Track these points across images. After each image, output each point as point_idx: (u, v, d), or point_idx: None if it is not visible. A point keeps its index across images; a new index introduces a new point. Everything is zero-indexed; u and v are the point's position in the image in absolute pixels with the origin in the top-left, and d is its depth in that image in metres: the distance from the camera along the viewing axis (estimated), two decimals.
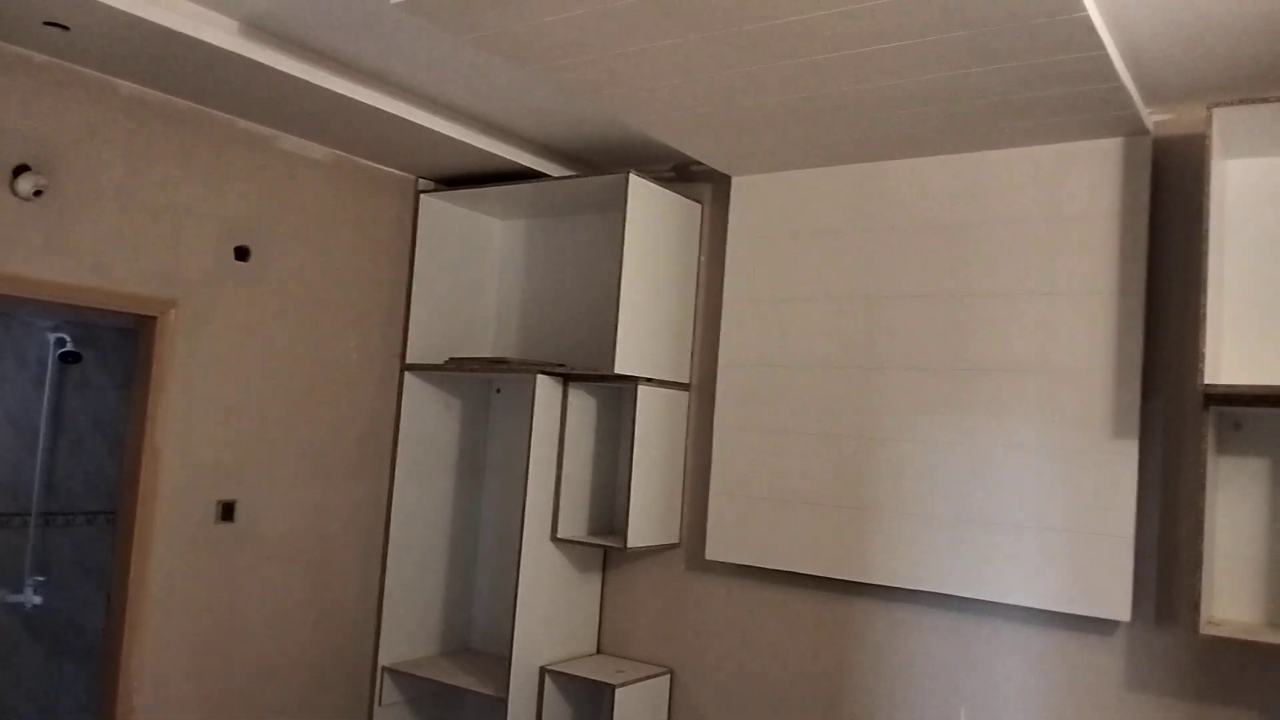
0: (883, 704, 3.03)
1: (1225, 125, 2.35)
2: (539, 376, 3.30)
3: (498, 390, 3.93)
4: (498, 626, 3.79)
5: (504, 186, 3.52)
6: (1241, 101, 2.26)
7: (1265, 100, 2.23)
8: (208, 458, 3.10)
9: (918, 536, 2.91)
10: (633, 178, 3.20)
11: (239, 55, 2.58)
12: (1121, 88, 2.35)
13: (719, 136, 2.93)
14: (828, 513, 3.07)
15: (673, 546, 3.49)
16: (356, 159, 3.51)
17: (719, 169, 3.29)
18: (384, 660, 3.56)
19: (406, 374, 3.65)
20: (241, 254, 3.18)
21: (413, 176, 3.71)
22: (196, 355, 3.06)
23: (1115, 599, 2.61)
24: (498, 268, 3.98)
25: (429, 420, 3.71)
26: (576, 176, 3.37)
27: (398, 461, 3.62)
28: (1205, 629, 2.33)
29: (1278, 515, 2.51)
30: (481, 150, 3.28)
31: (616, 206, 3.34)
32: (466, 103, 3.06)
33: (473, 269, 3.88)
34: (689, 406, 3.51)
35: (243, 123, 3.16)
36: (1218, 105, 2.30)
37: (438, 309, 3.74)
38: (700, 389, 3.50)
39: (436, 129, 3.10)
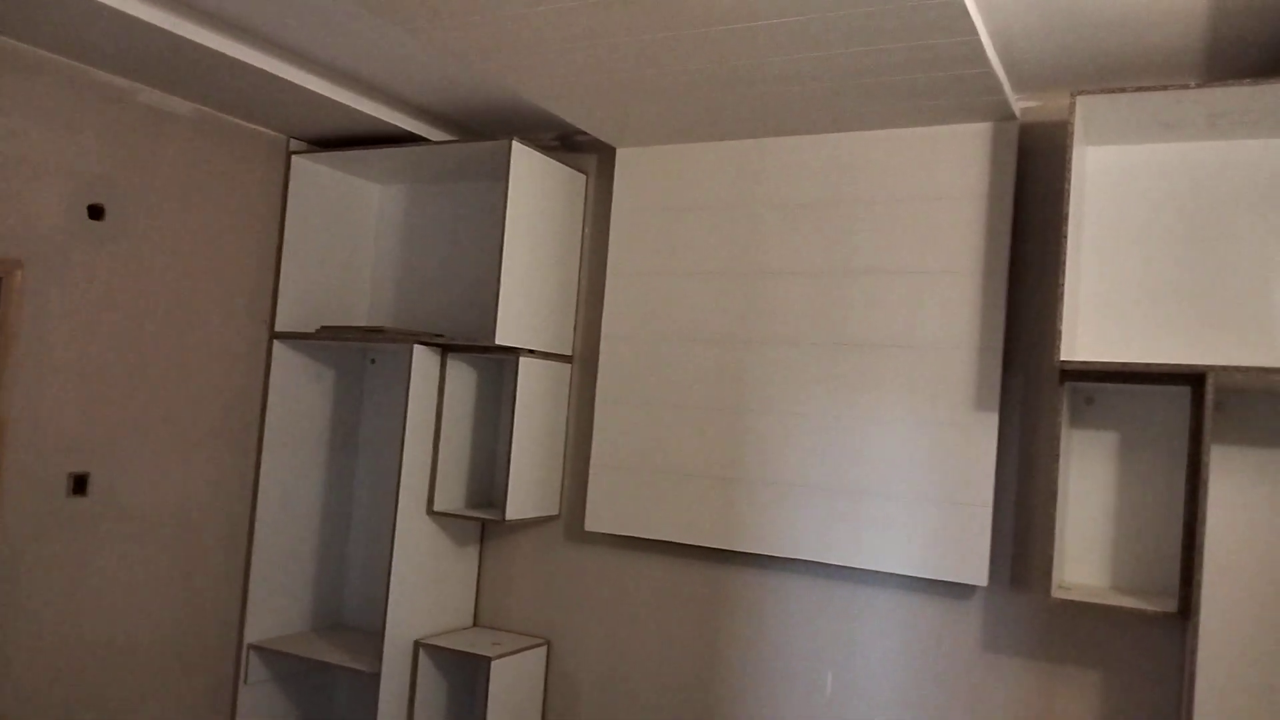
0: (755, 670, 3.10)
1: (1087, 113, 2.46)
2: (416, 347, 3.23)
3: (372, 361, 3.82)
4: (371, 601, 3.72)
5: (382, 150, 3.41)
6: (1102, 91, 2.37)
7: (1124, 90, 2.34)
8: (58, 428, 2.92)
9: (791, 506, 2.98)
10: (516, 145, 3.14)
11: (94, 1, 2.42)
12: (991, 74, 2.43)
13: (604, 107, 2.91)
14: (705, 484, 3.11)
15: (552, 518, 3.48)
16: (224, 116, 3.34)
17: (604, 140, 3.27)
18: (250, 638, 3.45)
19: (276, 342, 3.51)
20: (96, 213, 2.99)
21: (284, 136, 3.56)
22: (46, 319, 2.87)
23: (974, 565, 2.73)
24: (374, 234, 3.86)
25: (299, 391, 3.59)
26: (458, 142, 3.29)
27: (266, 433, 3.49)
28: (1056, 593, 2.46)
29: (1125, 486, 2.66)
30: (358, 112, 3.17)
31: (499, 174, 3.29)
32: (343, 61, 2.95)
33: (348, 235, 3.76)
34: (571, 378, 3.50)
35: (98, 73, 2.96)
36: (1080, 93, 2.40)
37: (310, 276, 3.61)
38: (583, 361, 3.49)
39: (310, 87, 2.98)
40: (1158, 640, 2.60)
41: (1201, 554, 2.22)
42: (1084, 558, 2.69)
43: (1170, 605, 2.39)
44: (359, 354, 3.81)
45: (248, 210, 3.45)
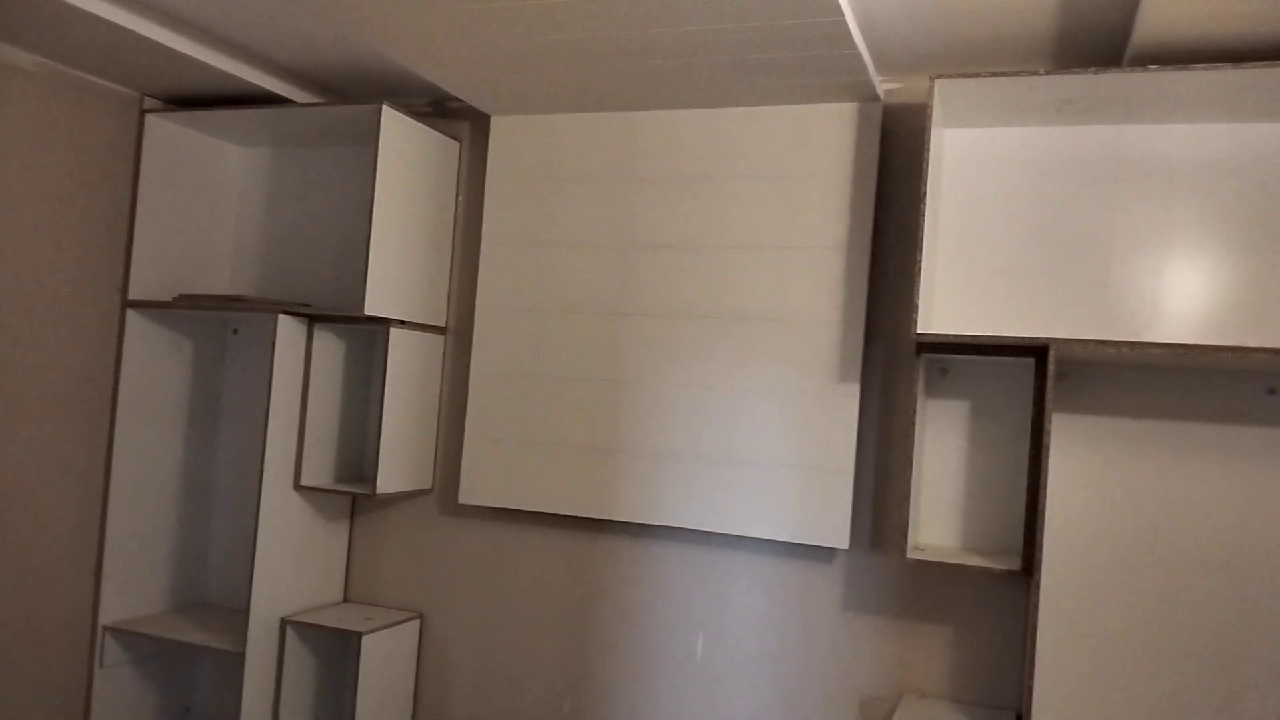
0: (628, 636, 3.16)
1: (945, 96, 2.56)
2: (280, 317, 3.13)
3: (234, 331, 3.69)
4: (235, 579, 3.61)
5: (243, 110, 3.27)
6: (959, 75, 2.47)
7: (979, 75, 2.45)
8: None
9: (664, 475, 3.03)
10: (386, 110, 3.07)
11: None
12: (857, 55, 2.51)
13: (477, 73, 2.86)
14: (580, 455, 3.14)
15: (425, 492, 3.45)
16: (71, 70, 3.14)
17: (478, 107, 3.22)
18: (105, 619, 3.30)
19: (129, 311, 3.35)
20: None
21: (137, 94, 3.38)
22: None
23: (836, 529, 2.84)
24: (235, 199, 3.71)
25: (155, 362, 3.43)
26: (325, 105, 3.19)
27: (119, 405, 3.33)
28: (911, 554, 2.58)
29: (975, 453, 2.81)
30: (217, 69, 3.03)
31: (368, 139, 3.20)
32: (201, 16, 2.81)
33: (207, 199, 3.60)
34: (444, 350, 3.45)
35: None
36: (939, 77, 2.50)
37: (165, 241, 3.44)
38: (456, 332, 3.45)
39: (164, 42, 2.83)
40: (1003, 596, 2.77)
41: (1043, 516, 2.37)
42: (937, 520, 2.83)
43: (1014, 564, 2.55)
44: (220, 324, 3.67)
45: (97, 172, 3.26)
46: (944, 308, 2.78)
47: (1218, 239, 2.56)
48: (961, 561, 2.56)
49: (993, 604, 2.78)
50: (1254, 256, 2.53)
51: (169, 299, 3.40)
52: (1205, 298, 2.56)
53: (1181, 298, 2.59)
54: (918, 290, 2.49)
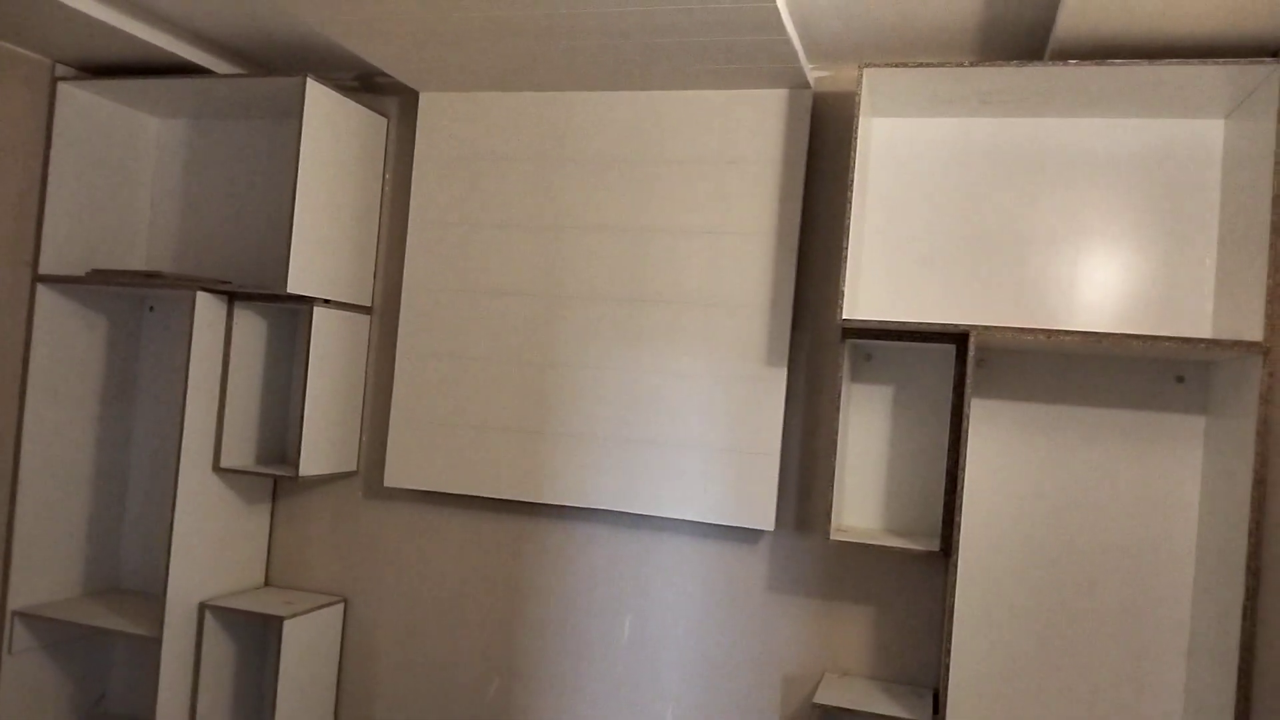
0: (556, 618, 3.16)
1: (873, 85, 2.60)
2: (199, 294, 3.04)
3: (151, 308, 3.58)
4: (151, 563, 3.51)
5: (161, 80, 3.17)
6: (887, 65, 2.50)
7: (906, 65, 2.48)
8: None
9: (592, 458, 3.03)
10: (311, 83, 2.99)
11: None
12: (788, 41, 2.52)
13: (405, 49, 2.81)
14: (508, 437, 3.12)
15: (350, 474, 3.39)
16: None
17: (406, 83, 3.17)
18: (14, 604, 3.19)
19: (39, 286, 3.23)
20: None
21: (49, 61, 3.24)
22: None
23: (762, 511, 2.88)
24: (153, 172, 3.59)
25: (67, 339, 3.32)
26: (247, 76, 3.10)
27: (29, 384, 3.21)
28: (834, 535, 2.63)
29: (898, 437, 2.87)
30: (133, 37, 2.93)
31: (292, 113, 3.13)
32: None
33: (123, 171, 3.48)
34: (370, 330, 3.40)
35: None
36: (867, 66, 2.53)
37: (78, 215, 3.32)
38: (382, 312, 3.40)
39: (78, 7, 2.72)
40: (923, 576, 2.83)
41: (961, 498, 2.44)
42: (861, 503, 2.88)
43: (934, 545, 2.61)
44: (136, 301, 3.55)
45: (6, 141, 3.13)
46: (869, 294, 2.83)
47: (1132, 231, 2.65)
48: (882, 543, 2.61)
49: (912, 584, 2.84)
50: (1166, 249, 2.62)
51: (82, 274, 3.28)
52: (1119, 288, 2.65)
53: (1097, 287, 2.67)
54: (844, 277, 2.52)
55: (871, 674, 2.87)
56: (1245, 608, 2.20)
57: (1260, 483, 2.20)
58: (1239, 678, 2.20)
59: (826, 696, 2.64)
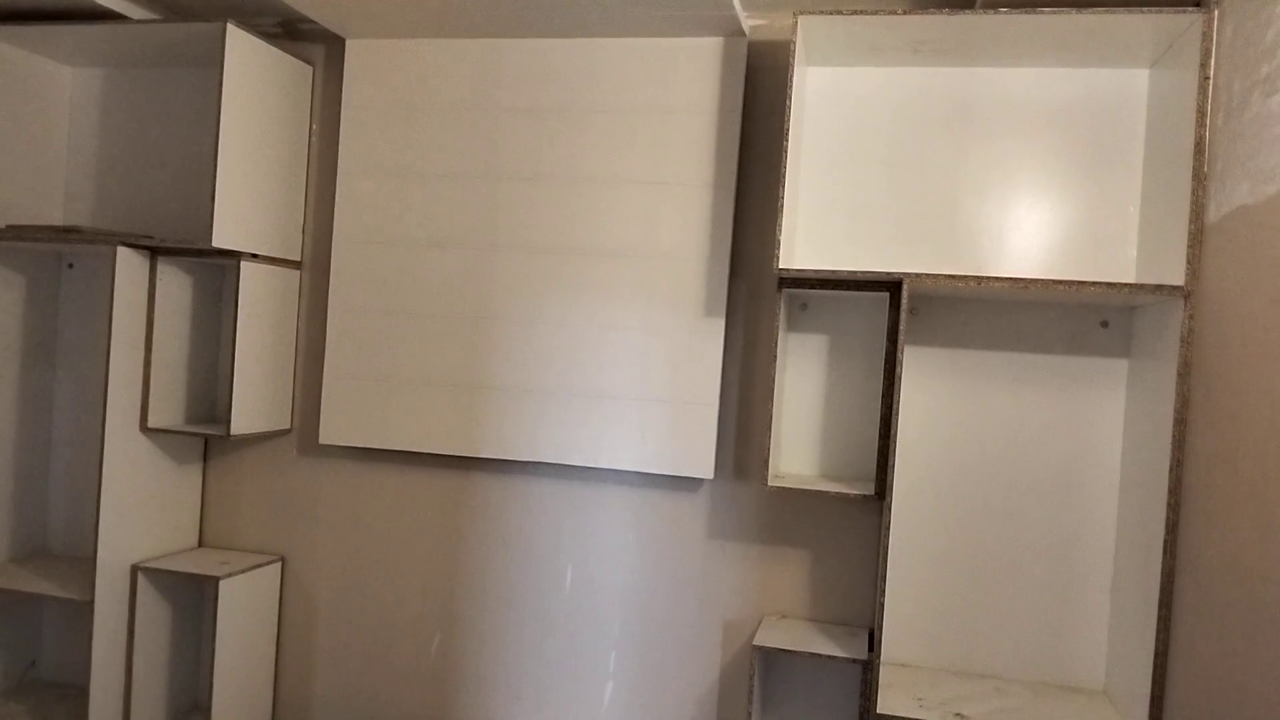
0: (497, 571, 3.17)
1: (808, 33, 2.59)
2: (119, 249, 2.94)
3: (70, 265, 3.45)
4: (79, 526, 3.43)
5: (73, 26, 3.03)
6: (821, 12, 2.49)
7: (840, 13, 2.47)
8: None
9: (530, 411, 3.02)
10: (231, 29, 2.89)
11: None
12: None
13: None
14: (444, 391, 3.09)
15: (283, 432, 3.34)
16: None
17: (331, 29, 3.07)
18: None
19: None
20: None
21: None
22: None
23: (701, 460, 2.90)
24: (67, 122, 3.44)
25: None
26: (164, 21, 2.98)
27: None
28: (772, 482, 2.66)
29: (833, 384, 2.90)
30: None
31: (212, 60, 3.00)
32: None
33: (36, 122, 3.33)
34: (300, 285, 3.33)
35: None
36: (802, 14, 2.52)
37: None
38: (313, 266, 3.33)
39: None
40: (858, 520, 2.89)
41: (894, 442, 2.48)
42: (797, 450, 2.92)
43: (868, 489, 2.66)
44: (53, 258, 3.42)
45: None
46: (805, 244, 2.84)
47: (1060, 180, 2.69)
48: (819, 488, 2.65)
49: (849, 528, 2.90)
50: (1092, 197, 2.67)
51: None
52: (1047, 235, 2.70)
53: (1026, 235, 2.71)
54: (779, 226, 2.53)
55: (810, 616, 2.93)
56: (1166, 542, 2.28)
57: (1180, 422, 2.27)
58: (1159, 610, 2.29)
59: (766, 638, 2.69)
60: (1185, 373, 2.27)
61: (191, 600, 3.31)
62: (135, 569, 3.07)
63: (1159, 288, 2.31)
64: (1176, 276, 2.32)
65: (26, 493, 3.39)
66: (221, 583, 3.03)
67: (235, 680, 3.13)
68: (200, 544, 3.41)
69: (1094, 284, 2.34)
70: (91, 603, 2.95)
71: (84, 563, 3.31)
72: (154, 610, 3.14)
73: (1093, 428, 2.71)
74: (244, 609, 3.15)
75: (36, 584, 3.08)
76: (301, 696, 3.33)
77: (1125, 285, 2.33)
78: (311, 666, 3.32)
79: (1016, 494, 2.75)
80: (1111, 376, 2.70)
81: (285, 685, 3.34)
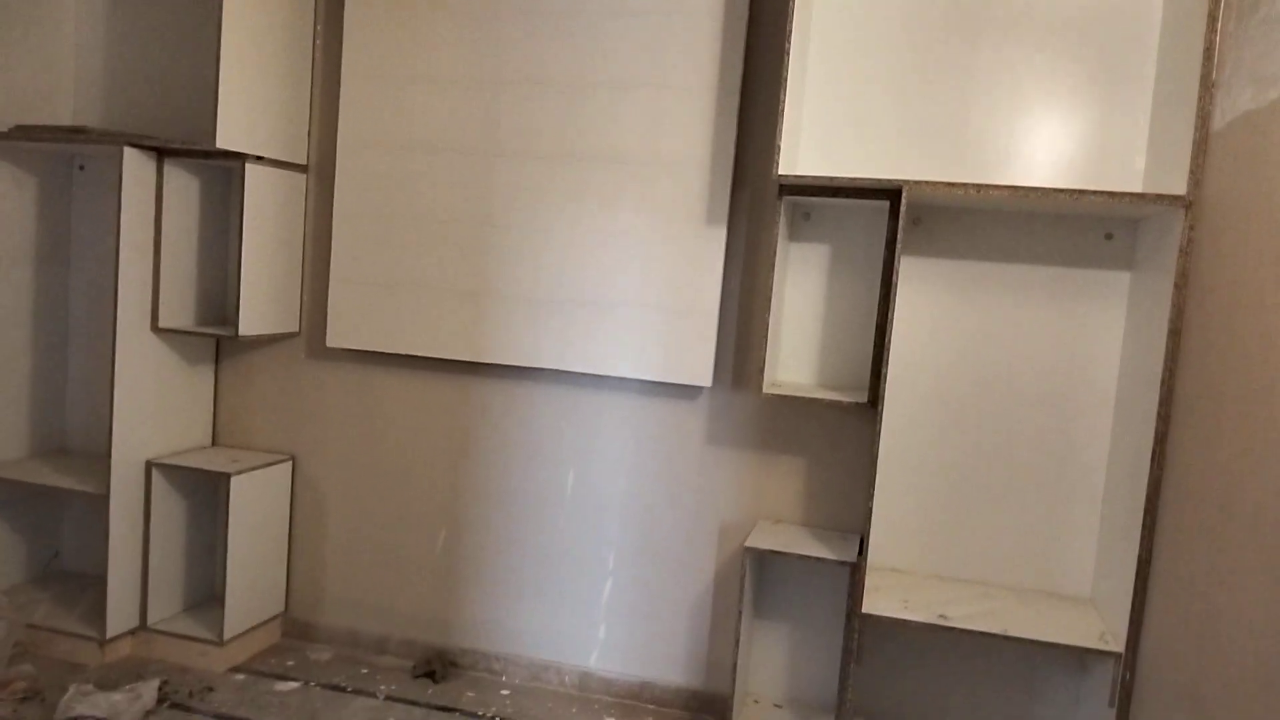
0: (500, 474, 3.24)
1: None
2: (126, 150, 2.96)
3: (80, 167, 3.48)
4: (97, 424, 3.52)
5: None
6: None
7: None
8: None
9: (532, 318, 3.05)
10: None
11: None
12: None
13: None
14: (449, 298, 3.12)
15: (292, 335, 3.39)
16: None
17: None
18: None
19: None
20: None
21: None
22: None
23: (700, 368, 2.93)
24: (74, 20, 3.43)
25: None
26: None
27: None
28: (767, 389, 2.69)
29: (834, 295, 2.90)
30: None
31: None
32: None
33: (44, 21, 3.32)
34: (306, 189, 3.34)
35: None
36: None
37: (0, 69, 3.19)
38: (319, 170, 3.33)
39: None
40: (853, 429, 2.92)
41: (889, 351, 2.49)
42: (796, 359, 2.94)
43: (862, 397, 2.68)
44: (64, 159, 3.45)
45: None
46: (809, 152, 2.81)
47: (1070, 91, 2.64)
48: (813, 395, 2.68)
49: (843, 436, 2.93)
50: (1102, 108, 2.62)
51: (5, 130, 3.17)
52: (1055, 147, 2.65)
53: (1033, 147, 2.67)
54: (780, 132, 2.51)
55: (803, 521, 2.99)
56: (1154, 452, 2.30)
57: (1175, 333, 2.27)
58: (1144, 518, 2.32)
59: (757, 541, 2.75)
60: (1182, 283, 2.26)
61: (205, 497, 3.41)
62: (149, 465, 3.16)
63: (1160, 197, 2.28)
64: (1180, 186, 2.28)
65: (45, 391, 3.48)
66: (233, 479, 3.11)
67: (248, 573, 3.24)
68: (214, 443, 3.50)
69: (1094, 193, 2.31)
70: (107, 496, 3.05)
71: (101, 459, 3.41)
72: (168, 505, 3.24)
73: (1092, 340, 2.70)
74: (255, 505, 3.25)
75: (55, 478, 3.18)
76: (313, 589, 3.45)
77: (1126, 195, 2.30)
78: (322, 561, 3.43)
79: (1013, 405, 2.77)
80: (1114, 290, 2.68)
81: (297, 578, 3.46)
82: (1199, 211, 2.24)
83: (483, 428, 3.24)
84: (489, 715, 2.99)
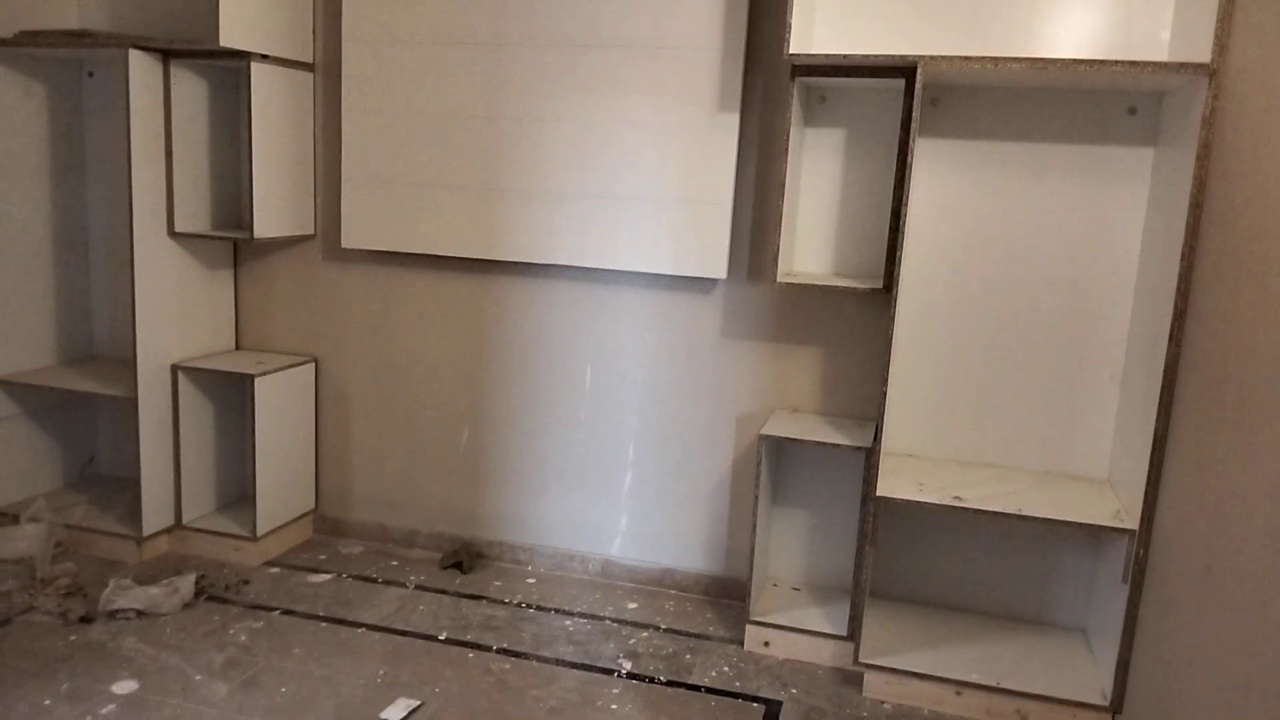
0: (519, 370, 3.27)
1: None
2: (132, 52, 2.93)
3: (90, 74, 3.45)
4: (121, 330, 3.58)
5: None
6: None
7: None
8: None
9: (545, 214, 3.04)
10: None
11: None
12: None
13: None
14: (462, 195, 3.11)
15: (308, 237, 3.40)
16: None
17: None
18: None
19: None
20: None
21: None
22: None
23: (715, 260, 2.91)
24: None
25: (6, 108, 3.22)
26: None
27: None
28: (781, 278, 2.68)
29: (849, 182, 2.86)
30: None
31: None
32: None
33: None
34: (314, 88, 3.30)
35: None
36: None
37: None
38: (326, 68, 3.29)
39: None
40: (870, 317, 2.91)
41: (903, 235, 2.46)
42: (812, 249, 2.91)
43: (877, 283, 2.66)
44: (73, 66, 3.43)
45: None
46: (823, 31, 2.73)
47: None
48: (828, 283, 2.66)
49: (859, 324, 2.92)
50: None
51: (9, 36, 3.15)
52: (1078, 20, 2.56)
53: (1055, 21, 2.58)
54: (790, 8, 2.44)
55: (820, 410, 3.00)
56: (1173, 328, 2.27)
57: (1196, 206, 2.22)
58: (1161, 396, 2.31)
59: (773, 429, 2.77)
60: (1204, 155, 2.20)
61: (233, 399, 3.47)
62: (175, 368, 3.22)
63: (1183, 66, 2.20)
64: (1204, 55, 2.20)
65: (69, 300, 3.53)
66: (257, 381, 3.16)
67: (278, 471, 3.32)
68: (237, 347, 3.54)
69: (1114, 63, 2.24)
70: (136, 400, 3.11)
71: (128, 365, 3.47)
72: (196, 408, 3.31)
73: (1113, 220, 2.65)
74: (281, 407, 3.31)
75: (85, 383, 3.25)
76: (341, 487, 3.53)
77: (1147, 64, 2.22)
78: (349, 459, 3.51)
79: (1031, 287, 2.74)
80: (1136, 167, 2.62)
81: (326, 476, 3.54)
82: (1223, 80, 2.17)
83: (500, 325, 3.26)
84: (515, 602, 3.09)
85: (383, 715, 2.40)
